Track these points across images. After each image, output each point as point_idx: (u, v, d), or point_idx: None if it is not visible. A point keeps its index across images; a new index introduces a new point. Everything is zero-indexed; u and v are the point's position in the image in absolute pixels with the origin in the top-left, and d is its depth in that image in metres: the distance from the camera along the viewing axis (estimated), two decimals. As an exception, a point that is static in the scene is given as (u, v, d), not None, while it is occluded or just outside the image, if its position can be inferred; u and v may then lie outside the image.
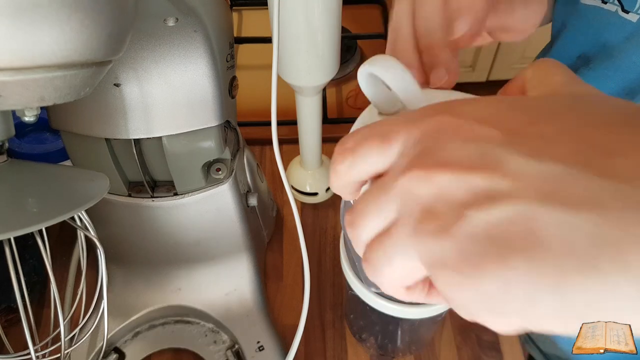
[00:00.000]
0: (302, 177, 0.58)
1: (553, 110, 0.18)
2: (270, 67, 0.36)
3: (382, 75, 0.23)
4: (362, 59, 0.77)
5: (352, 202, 0.24)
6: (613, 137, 0.16)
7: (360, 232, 0.21)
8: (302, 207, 0.60)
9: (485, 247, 0.16)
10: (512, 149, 0.17)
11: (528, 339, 0.63)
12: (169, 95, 0.36)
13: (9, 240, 0.32)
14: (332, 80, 0.46)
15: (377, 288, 0.35)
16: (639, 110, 0.18)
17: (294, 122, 0.52)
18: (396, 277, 0.20)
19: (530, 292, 0.16)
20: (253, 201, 0.47)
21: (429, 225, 0.18)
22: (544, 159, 0.16)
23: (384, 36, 0.78)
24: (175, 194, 0.42)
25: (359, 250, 0.21)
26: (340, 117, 0.69)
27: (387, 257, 0.19)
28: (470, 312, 0.18)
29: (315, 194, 0.59)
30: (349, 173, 0.21)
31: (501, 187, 0.17)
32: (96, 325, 0.38)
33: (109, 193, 0.41)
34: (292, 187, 0.59)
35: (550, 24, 0.49)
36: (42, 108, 0.27)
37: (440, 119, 0.19)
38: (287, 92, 0.46)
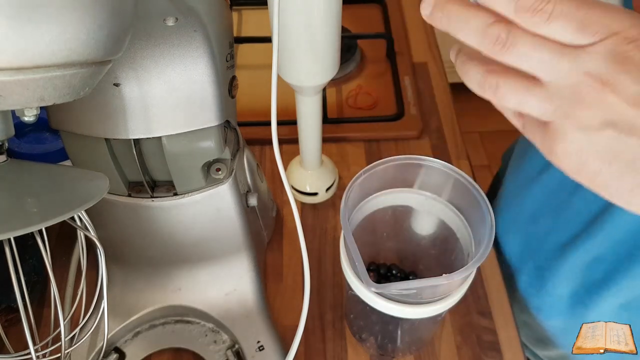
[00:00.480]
0: (302, 177, 0.58)
1: None
2: (270, 67, 0.36)
3: None
4: (362, 59, 0.77)
5: None
6: None
7: (518, 46, 0.23)
8: (302, 207, 0.60)
9: None
10: None
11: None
12: (169, 95, 0.36)
13: (9, 240, 0.32)
14: (332, 80, 0.46)
15: (377, 288, 0.35)
16: None
17: (294, 122, 0.52)
18: (512, 108, 0.25)
19: None
20: (253, 201, 0.47)
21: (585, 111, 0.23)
22: None
23: (384, 36, 0.78)
24: (175, 194, 0.42)
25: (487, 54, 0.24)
26: (340, 117, 0.69)
27: (523, 97, 0.24)
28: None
29: (315, 194, 0.59)
30: (535, 9, 0.22)
31: None
32: (96, 325, 0.38)
33: (108, 193, 0.41)
34: (292, 187, 0.59)
35: None
36: (41, 108, 0.27)
37: None
38: (287, 92, 0.46)
